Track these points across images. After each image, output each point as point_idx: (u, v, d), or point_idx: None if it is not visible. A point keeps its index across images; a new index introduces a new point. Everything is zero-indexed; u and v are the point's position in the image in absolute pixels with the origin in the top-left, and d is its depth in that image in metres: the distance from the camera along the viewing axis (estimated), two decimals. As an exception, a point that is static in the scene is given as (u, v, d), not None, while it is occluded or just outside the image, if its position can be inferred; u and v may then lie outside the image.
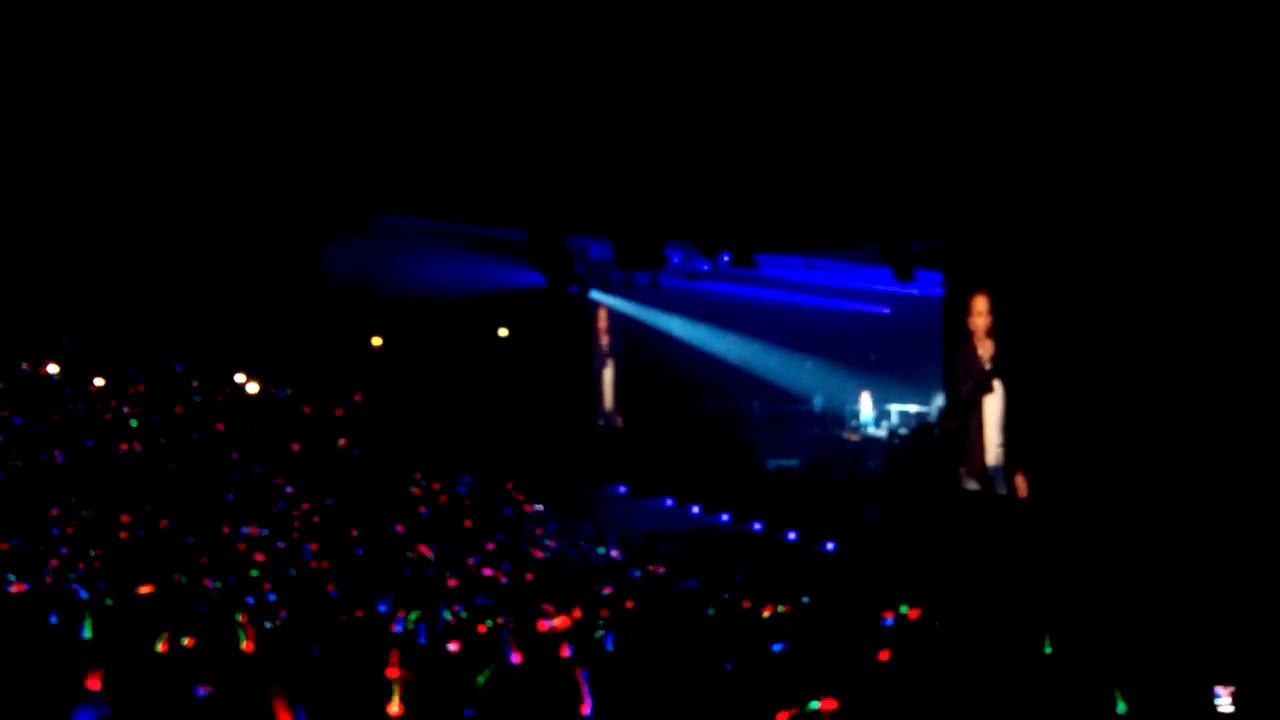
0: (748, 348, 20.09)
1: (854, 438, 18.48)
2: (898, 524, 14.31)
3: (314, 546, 13.32)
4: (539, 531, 15.81)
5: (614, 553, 14.58)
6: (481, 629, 8.67)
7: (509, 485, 18.12)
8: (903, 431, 17.42)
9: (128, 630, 6.43)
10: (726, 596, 11.03)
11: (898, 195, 12.58)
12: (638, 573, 12.96)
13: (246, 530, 13.64)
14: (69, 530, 13.39)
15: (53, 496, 14.83)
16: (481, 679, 4.69)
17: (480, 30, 9.09)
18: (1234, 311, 10.38)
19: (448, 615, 9.66)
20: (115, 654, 5.16)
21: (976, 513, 13.46)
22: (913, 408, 17.94)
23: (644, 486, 18.97)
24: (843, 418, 19.25)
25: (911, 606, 8.23)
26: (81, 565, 10.89)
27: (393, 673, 5.18)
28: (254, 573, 11.17)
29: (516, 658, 5.79)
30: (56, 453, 16.69)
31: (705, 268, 17.30)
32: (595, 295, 21.03)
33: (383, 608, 9.49)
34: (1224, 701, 5.40)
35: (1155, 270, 11.06)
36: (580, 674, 4.77)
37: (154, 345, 19.84)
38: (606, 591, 11.49)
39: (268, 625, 8.45)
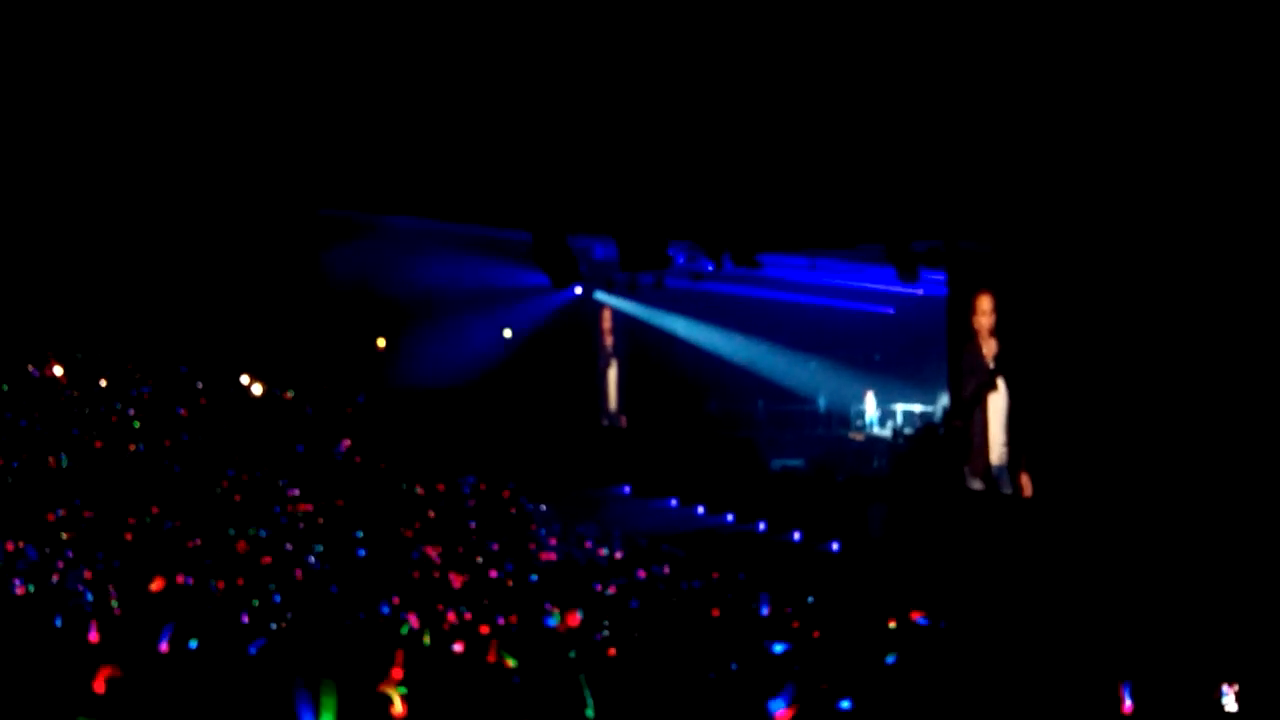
0: (752, 348, 20.07)
1: (859, 438, 18.46)
2: (903, 524, 14.29)
3: (320, 548, 13.33)
4: (543, 532, 15.81)
5: (618, 553, 14.57)
6: (484, 629, 8.67)
7: (513, 485, 18.11)
8: (907, 431, 17.40)
9: (134, 632, 6.44)
10: (730, 596, 11.03)
11: (902, 195, 12.57)
12: (642, 573, 12.95)
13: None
14: (67, 536, 13.39)
15: (58, 498, 14.84)
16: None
17: (486, 32, 9.10)
18: (1239, 310, 10.37)
19: (451, 616, 9.66)
20: (122, 655, 5.17)
21: (981, 512, 13.46)
22: (917, 407, 17.92)
23: (648, 487, 18.96)
24: (847, 418, 19.22)
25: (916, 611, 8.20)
26: (90, 574, 10.89)
27: (397, 674, 5.18)
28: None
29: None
30: (61, 455, 16.72)
31: (709, 268, 17.29)
32: (600, 296, 21.05)
33: (385, 609, 9.49)
34: (1229, 699, 5.40)
35: (1159, 269, 11.05)
36: (580, 677, 4.76)
37: (159, 347, 19.86)
38: (611, 591, 11.48)
39: (273, 626, 8.47)
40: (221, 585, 10.77)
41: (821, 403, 19.89)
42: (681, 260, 17.22)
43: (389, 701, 4.53)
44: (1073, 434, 12.04)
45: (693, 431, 19.37)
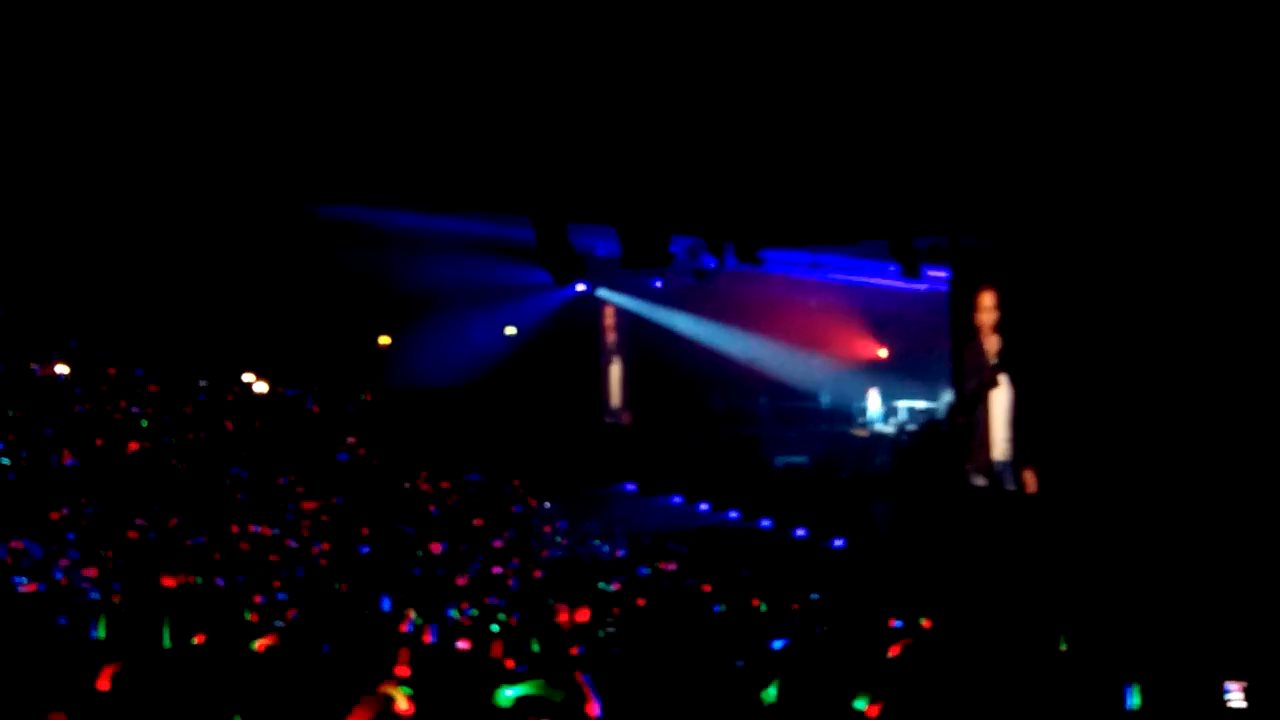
0: (755, 344, 20.05)
1: (862, 434, 18.45)
2: (907, 520, 14.29)
3: (325, 546, 13.34)
4: (547, 529, 15.82)
5: (622, 550, 14.57)
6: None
7: (517, 483, 18.12)
8: (911, 428, 17.40)
9: (139, 630, 6.43)
10: (735, 594, 11.03)
11: (905, 191, 12.56)
12: (646, 570, 12.95)
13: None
14: (70, 536, 13.40)
15: (62, 497, 14.85)
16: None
17: (487, 23, 9.09)
18: (1242, 305, 10.35)
19: (455, 614, 9.67)
20: (127, 653, 5.16)
21: (985, 508, 13.45)
22: (920, 404, 17.92)
23: (652, 484, 18.96)
24: (851, 414, 19.21)
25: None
26: (96, 572, 10.89)
27: (402, 671, 5.18)
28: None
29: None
30: (66, 453, 16.73)
31: (712, 264, 17.25)
32: (602, 293, 21.03)
33: (386, 605, 9.49)
34: (1236, 696, 5.38)
35: (1162, 265, 11.04)
36: (582, 677, 4.74)
37: (163, 345, 19.87)
38: (615, 589, 11.49)
39: (278, 624, 8.46)
40: (226, 582, 10.78)
41: (825, 399, 19.89)
42: (684, 257, 17.19)
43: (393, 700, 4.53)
44: (1076, 429, 12.03)
45: (696, 429, 19.37)
